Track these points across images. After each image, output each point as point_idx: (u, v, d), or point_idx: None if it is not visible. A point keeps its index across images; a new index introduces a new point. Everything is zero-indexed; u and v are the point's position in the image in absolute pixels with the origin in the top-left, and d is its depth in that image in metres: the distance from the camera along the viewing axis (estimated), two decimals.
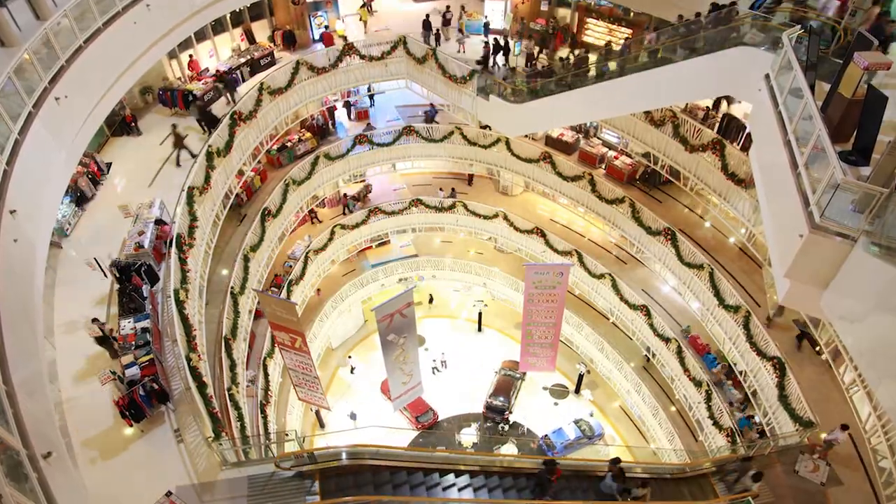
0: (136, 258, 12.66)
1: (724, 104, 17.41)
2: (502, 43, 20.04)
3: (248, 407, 15.22)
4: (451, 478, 11.91)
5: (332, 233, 23.72)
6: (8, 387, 6.60)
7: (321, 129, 23.32)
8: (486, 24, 22.30)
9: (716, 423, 16.34)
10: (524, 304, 14.45)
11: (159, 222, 13.86)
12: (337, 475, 10.73)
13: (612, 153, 21.10)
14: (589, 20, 21.14)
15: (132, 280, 12.24)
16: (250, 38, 21.36)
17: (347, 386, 25.87)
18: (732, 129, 15.63)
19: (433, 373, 25.42)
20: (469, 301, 28.48)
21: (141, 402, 10.32)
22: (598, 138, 21.94)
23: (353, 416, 23.77)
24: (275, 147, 21.28)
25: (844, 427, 11.83)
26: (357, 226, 24.42)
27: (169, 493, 9.29)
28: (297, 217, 22.01)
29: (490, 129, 22.15)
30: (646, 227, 18.94)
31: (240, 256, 17.09)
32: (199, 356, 11.81)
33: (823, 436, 12.24)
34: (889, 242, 6.58)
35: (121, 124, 17.10)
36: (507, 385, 24.62)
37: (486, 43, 20.19)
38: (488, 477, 12.18)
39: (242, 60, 19.91)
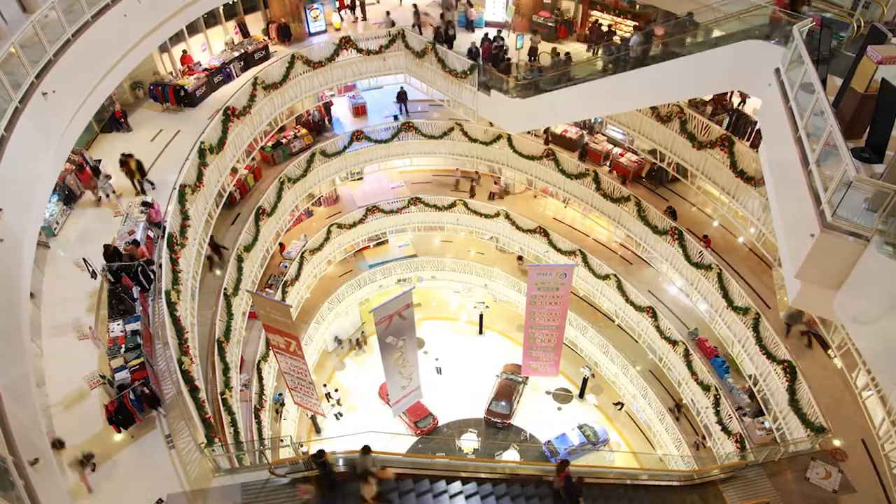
0: (128, 258, 12.37)
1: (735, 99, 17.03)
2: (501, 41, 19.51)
3: (242, 412, 15.04)
4: (447, 484, 11.56)
5: (329, 232, 23.38)
6: None
7: (317, 126, 22.96)
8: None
9: (724, 429, 16.00)
10: (527, 307, 14.16)
11: (146, 204, 13.62)
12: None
13: (617, 150, 20.75)
14: (594, 13, 20.80)
15: (123, 280, 11.96)
16: (244, 31, 21.01)
17: (345, 390, 25.56)
18: (742, 125, 15.31)
19: (437, 372, 24.70)
20: (470, 302, 28.15)
21: (131, 406, 10.12)
22: (603, 135, 21.58)
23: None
24: (269, 144, 20.93)
25: None
26: (354, 225, 24.08)
27: (160, 501, 9.25)
28: (291, 216, 21.72)
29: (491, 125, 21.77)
30: (652, 226, 18.58)
31: (233, 256, 16.80)
32: (191, 359, 11.64)
33: (836, 442, 11.91)
34: None
35: (110, 120, 16.77)
36: (508, 389, 24.26)
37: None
38: (487, 484, 11.82)
39: (236, 54, 19.54)
